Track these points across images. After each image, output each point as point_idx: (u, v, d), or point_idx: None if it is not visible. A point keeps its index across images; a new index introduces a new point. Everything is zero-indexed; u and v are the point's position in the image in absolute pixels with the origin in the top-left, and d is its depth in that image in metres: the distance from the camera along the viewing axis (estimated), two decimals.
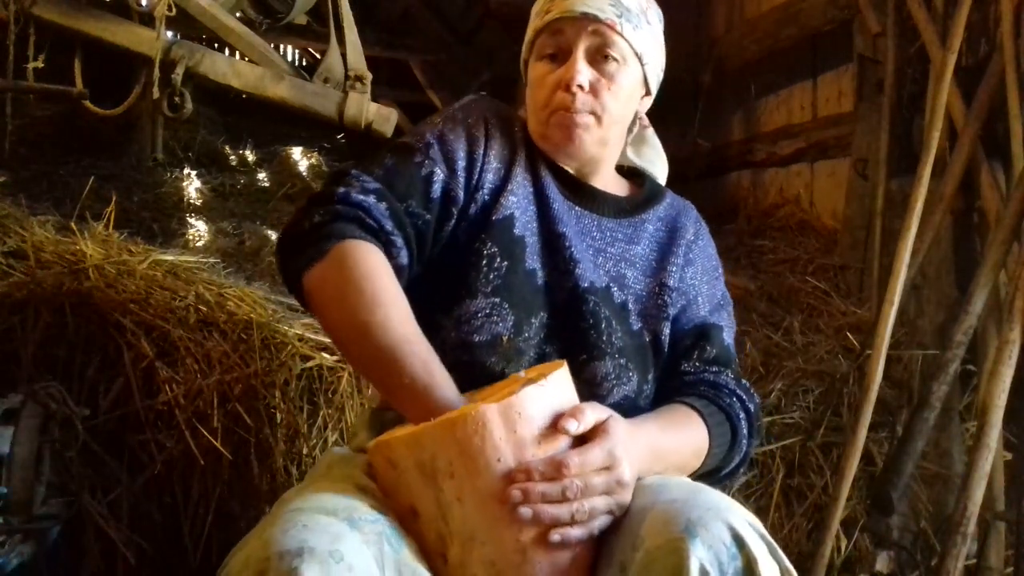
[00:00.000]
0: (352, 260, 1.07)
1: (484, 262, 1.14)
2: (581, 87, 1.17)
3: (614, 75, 1.19)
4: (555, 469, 0.93)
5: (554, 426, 0.95)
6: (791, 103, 3.55)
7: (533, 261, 1.18)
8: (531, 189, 1.22)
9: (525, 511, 0.91)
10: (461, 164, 1.19)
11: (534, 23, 1.23)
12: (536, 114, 1.23)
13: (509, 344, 1.12)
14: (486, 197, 1.19)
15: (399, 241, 1.12)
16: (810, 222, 3.29)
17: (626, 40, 1.19)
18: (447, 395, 1.01)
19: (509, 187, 1.20)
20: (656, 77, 1.27)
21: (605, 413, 1.00)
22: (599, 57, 1.19)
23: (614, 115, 1.21)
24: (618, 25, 1.18)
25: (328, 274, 1.08)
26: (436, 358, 1.03)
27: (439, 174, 1.17)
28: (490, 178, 1.20)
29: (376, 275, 1.07)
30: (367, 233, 1.10)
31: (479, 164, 1.20)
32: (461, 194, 1.18)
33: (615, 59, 1.19)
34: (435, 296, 1.14)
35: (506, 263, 1.15)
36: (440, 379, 1.02)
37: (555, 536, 0.92)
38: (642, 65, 1.23)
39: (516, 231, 1.18)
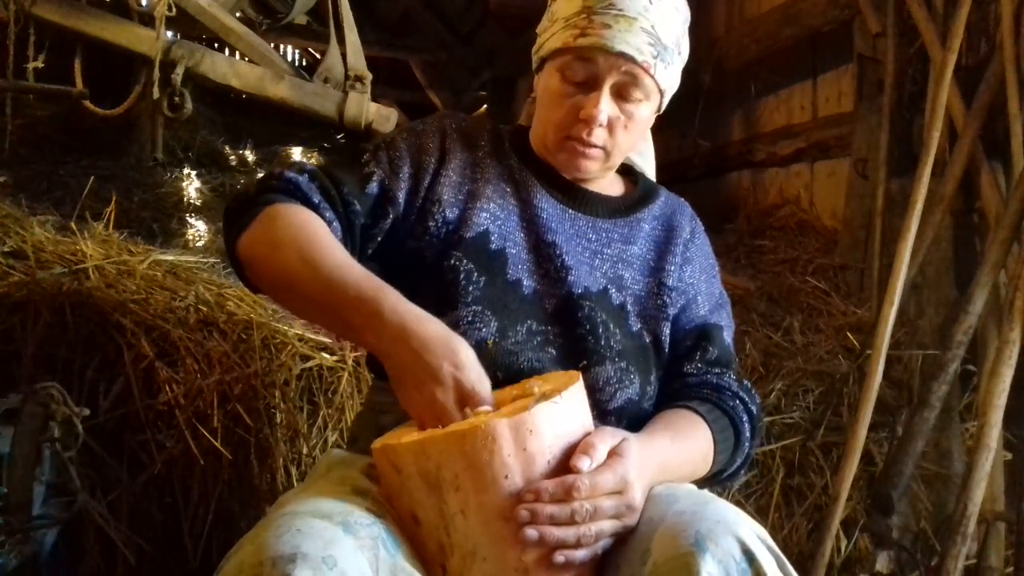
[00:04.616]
0: (282, 217, 1.09)
1: (462, 276, 1.14)
2: (600, 124, 1.17)
3: (633, 113, 1.18)
4: (565, 491, 0.91)
5: (565, 446, 0.94)
6: (791, 103, 3.54)
7: (517, 272, 1.17)
8: (513, 201, 1.22)
9: (531, 532, 0.90)
10: (406, 171, 1.19)
11: (564, 35, 1.17)
12: (545, 129, 1.22)
13: (495, 348, 1.11)
14: (448, 213, 1.18)
15: (328, 214, 1.13)
16: (810, 222, 3.28)
17: (655, 80, 1.17)
18: (398, 307, 1.00)
19: (478, 203, 1.19)
20: (671, 95, 1.26)
21: (618, 438, 0.99)
22: (623, 92, 1.17)
23: (624, 149, 1.22)
24: (652, 68, 1.16)
25: (257, 234, 1.09)
26: (384, 283, 1.03)
27: (379, 174, 1.18)
28: (449, 193, 1.19)
29: (310, 226, 1.08)
30: (295, 200, 1.12)
31: (429, 177, 1.20)
32: (401, 198, 1.18)
33: (639, 98, 1.18)
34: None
35: (484, 278, 1.15)
36: (390, 295, 1.01)
37: (559, 557, 0.91)
38: (662, 96, 1.22)
39: (492, 246, 1.17)
